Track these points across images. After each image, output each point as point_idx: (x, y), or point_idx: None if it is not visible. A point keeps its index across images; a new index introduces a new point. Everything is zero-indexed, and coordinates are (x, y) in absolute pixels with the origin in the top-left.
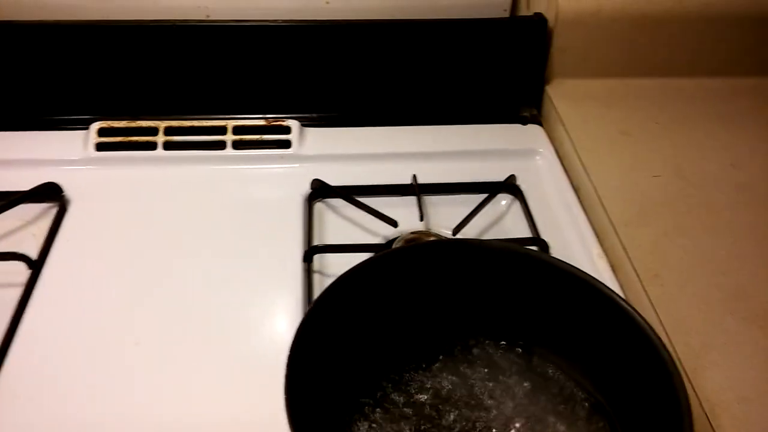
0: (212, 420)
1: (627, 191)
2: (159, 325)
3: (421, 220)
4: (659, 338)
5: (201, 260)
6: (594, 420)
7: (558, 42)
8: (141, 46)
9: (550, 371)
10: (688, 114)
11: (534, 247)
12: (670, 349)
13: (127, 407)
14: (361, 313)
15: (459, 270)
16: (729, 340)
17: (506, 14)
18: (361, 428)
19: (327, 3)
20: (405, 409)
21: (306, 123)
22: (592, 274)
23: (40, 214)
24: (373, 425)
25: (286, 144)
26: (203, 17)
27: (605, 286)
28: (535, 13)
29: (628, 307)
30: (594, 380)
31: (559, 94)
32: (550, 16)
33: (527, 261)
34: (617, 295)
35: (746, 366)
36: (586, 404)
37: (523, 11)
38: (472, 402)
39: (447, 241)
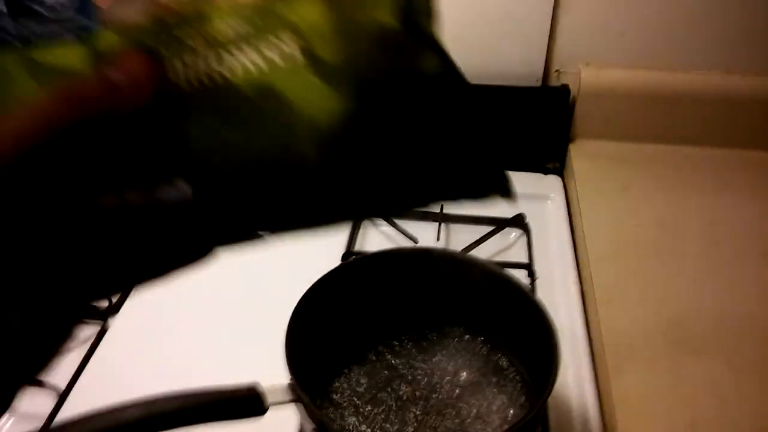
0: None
1: (609, 234)
2: (230, 295)
3: (437, 240)
4: (553, 324)
5: (271, 251)
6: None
7: (581, 109)
8: None
9: (496, 352)
10: (688, 178)
11: (523, 271)
12: (600, 353)
13: (200, 354)
14: (346, 297)
15: (427, 270)
16: (653, 356)
17: (538, 84)
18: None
19: None
20: (380, 370)
21: None
22: (565, 298)
23: None
24: (353, 381)
25: None
26: None
27: (524, 285)
28: (562, 85)
29: (537, 300)
30: (520, 356)
31: (579, 152)
32: (574, 88)
33: (471, 265)
34: (529, 290)
35: (657, 376)
36: (517, 378)
37: (553, 82)
38: (431, 366)
39: (416, 248)
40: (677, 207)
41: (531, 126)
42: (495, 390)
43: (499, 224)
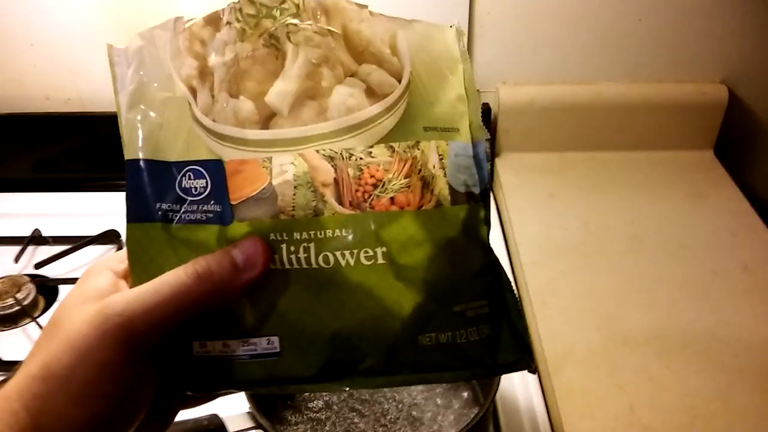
0: None
1: (539, 240)
2: None
3: None
4: None
5: None
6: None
7: (502, 125)
8: None
9: None
10: (606, 181)
11: None
12: (540, 354)
13: None
14: None
15: None
16: (589, 350)
17: None
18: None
19: None
20: None
21: None
22: None
23: (104, 252)
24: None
25: None
26: None
27: None
28: (484, 103)
29: None
30: None
31: (505, 165)
32: (494, 106)
33: None
34: None
35: (595, 368)
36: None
37: None
38: None
39: None
40: (599, 209)
41: None
42: (446, 394)
43: None
